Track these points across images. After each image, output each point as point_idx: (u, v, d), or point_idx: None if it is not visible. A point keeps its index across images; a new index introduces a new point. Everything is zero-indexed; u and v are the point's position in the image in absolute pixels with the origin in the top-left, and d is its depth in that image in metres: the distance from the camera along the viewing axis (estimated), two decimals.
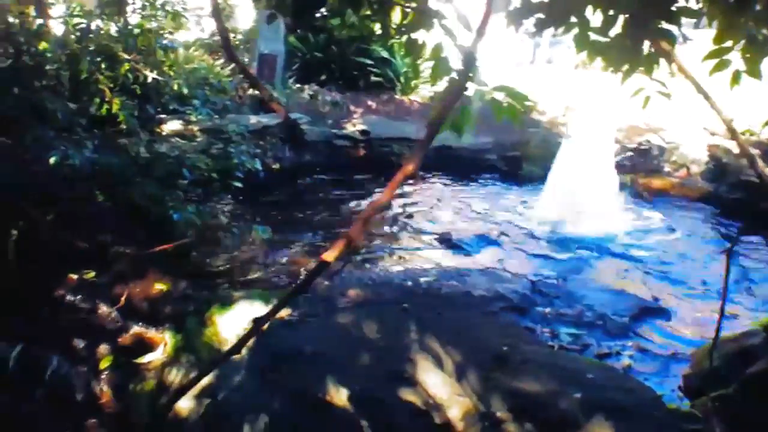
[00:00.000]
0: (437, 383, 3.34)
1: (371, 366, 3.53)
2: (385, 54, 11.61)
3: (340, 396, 3.30)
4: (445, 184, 8.50)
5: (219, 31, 7.14)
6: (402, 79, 11.91)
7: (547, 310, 4.59)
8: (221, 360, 3.05)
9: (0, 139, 4.68)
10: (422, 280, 4.57)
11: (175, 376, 3.71)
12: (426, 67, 10.83)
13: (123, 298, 4.14)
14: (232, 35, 11.02)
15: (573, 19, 2.34)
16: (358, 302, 4.17)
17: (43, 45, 5.20)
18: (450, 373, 3.42)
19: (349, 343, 3.73)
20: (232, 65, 7.82)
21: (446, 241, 5.62)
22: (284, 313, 3.99)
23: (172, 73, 5.87)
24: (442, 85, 3.03)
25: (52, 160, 4.25)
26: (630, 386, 3.51)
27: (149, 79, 5.68)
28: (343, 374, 3.47)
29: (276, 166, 7.49)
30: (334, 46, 11.47)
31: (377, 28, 3.30)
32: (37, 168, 5.06)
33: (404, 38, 2.93)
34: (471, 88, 2.57)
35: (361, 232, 2.36)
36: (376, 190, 7.64)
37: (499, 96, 2.64)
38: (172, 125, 6.44)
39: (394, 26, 2.97)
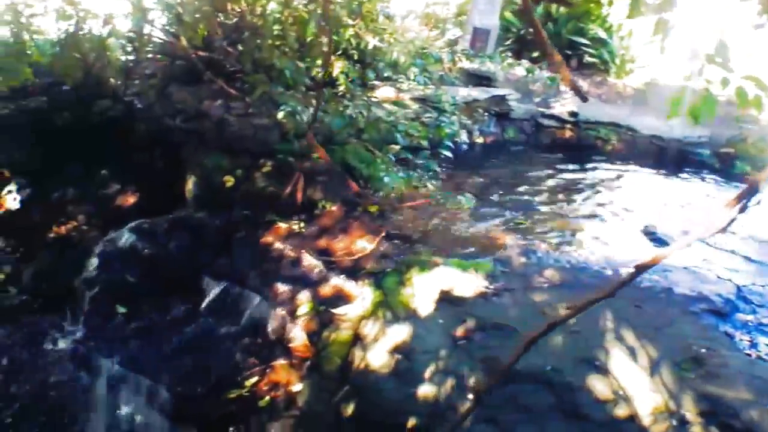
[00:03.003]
0: (629, 375, 3.38)
1: (563, 348, 3.60)
2: (602, 34, 11.39)
3: (530, 371, 3.42)
4: (651, 175, 8.16)
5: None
6: (617, 62, 11.62)
7: (750, 317, 4.34)
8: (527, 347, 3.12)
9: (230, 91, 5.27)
10: (622, 270, 4.47)
11: (370, 330, 3.94)
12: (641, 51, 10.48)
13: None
14: (445, 8, 11.33)
15: None
16: (555, 283, 4.19)
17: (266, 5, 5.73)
18: (643, 367, 3.44)
19: (542, 321, 3.76)
20: (446, 37, 8.07)
21: (649, 234, 5.41)
22: (481, 285, 4.11)
23: (391, 41, 6.20)
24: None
25: (280, 115, 4.69)
26: None
27: (369, 46, 6.06)
28: (534, 351, 3.53)
29: (480, 139, 7.65)
30: (550, 23, 11.42)
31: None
32: (260, 122, 5.66)
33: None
34: (716, 75, 2.48)
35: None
36: (578, 173, 7.54)
37: (745, 85, 2.52)
38: (385, 91, 6.80)
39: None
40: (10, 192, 7.04)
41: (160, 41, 7.06)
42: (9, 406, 5.10)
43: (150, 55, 7.47)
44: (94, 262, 5.31)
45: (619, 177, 7.64)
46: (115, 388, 4.62)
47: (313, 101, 4.81)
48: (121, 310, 4.91)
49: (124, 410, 4.60)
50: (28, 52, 6.78)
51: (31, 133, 7.41)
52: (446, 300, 4.03)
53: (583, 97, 2.74)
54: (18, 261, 6.57)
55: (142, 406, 4.51)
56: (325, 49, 5.65)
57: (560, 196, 6.35)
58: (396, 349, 3.75)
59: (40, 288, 6.24)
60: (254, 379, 4.29)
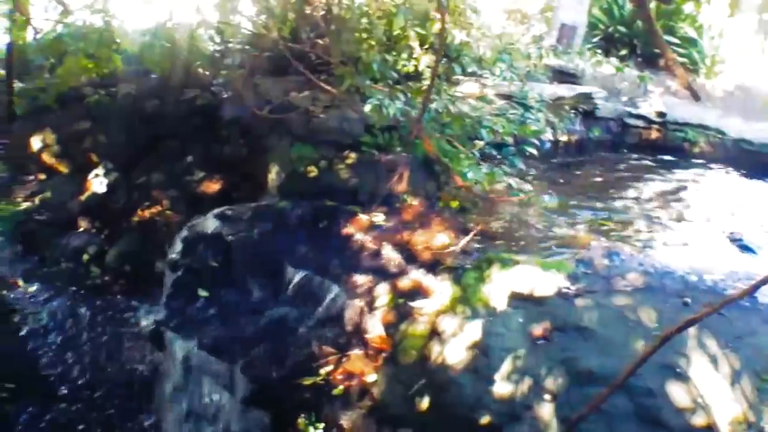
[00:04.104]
0: (709, 383, 3.38)
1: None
2: (692, 33, 11.17)
3: (607, 374, 3.45)
4: (738, 180, 7.94)
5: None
6: (707, 62, 11.36)
7: None
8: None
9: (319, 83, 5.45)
10: (707, 277, 4.40)
11: (448, 325, 4.03)
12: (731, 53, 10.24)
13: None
14: (531, 3, 11.30)
15: None
16: (638, 287, 4.18)
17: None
18: (724, 376, 3.43)
19: (624, 325, 3.83)
20: (531, 33, 8.09)
21: (735, 241, 5.30)
22: (562, 285, 4.14)
23: (478, 36, 6.27)
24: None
25: (367, 108, 4.81)
26: None
27: (456, 40, 6.15)
28: (613, 355, 3.60)
29: (564, 138, 7.64)
30: (639, 21, 11.26)
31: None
32: (345, 113, 5.83)
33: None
34: None
35: None
36: (665, 175, 7.43)
37: None
38: (469, 87, 6.88)
39: None
40: (97, 176, 7.44)
41: (248, 32, 7.32)
42: (88, 381, 5.42)
43: (239, 46, 7.75)
44: (179, 246, 5.55)
45: (705, 181, 7.49)
46: (192, 369, 4.84)
47: (399, 95, 4.93)
48: (203, 293, 5.12)
49: (199, 392, 4.81)
50: (118, 40, 7.16)
51: (120, 119, 7.82)
52: (526, 299, 4.07)
53: (697, 96, 2.76)
54: (102, 242, 6.94)
55: (217, 389, 4.71)
56: (411, 43, 5.80)
57: (645, 198, 6.28)
58: (474, 346, 3.83)
59: (122, 269, 6.59)
60: (329, 368, 4.41)
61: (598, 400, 3.17)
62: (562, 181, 6.50)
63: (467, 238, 4.52)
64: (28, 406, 5.07)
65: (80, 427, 5.06)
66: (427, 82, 5.88)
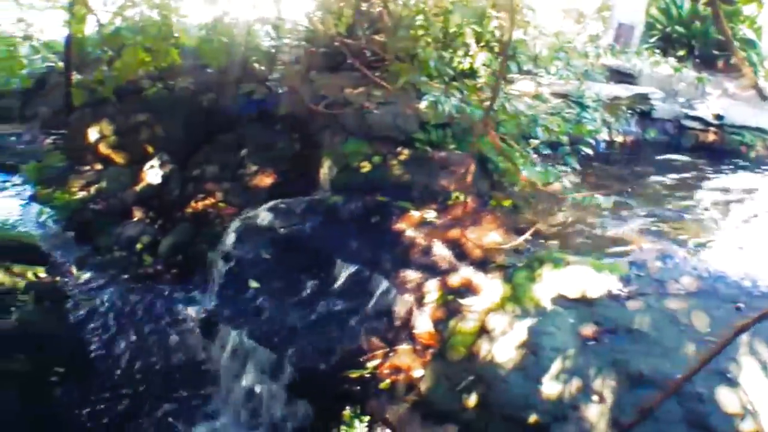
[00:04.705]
0: (759, 390, 3.35)
1: (696, 357, 3.57)
2: (750, 35, 10.97)
3: (658, 377, 3.48)
4: None
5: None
6: (766, 64, 11.13)
7: None
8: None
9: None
10: (761, 282, 4.35)
11: (498, 323, 4.06)
12: None
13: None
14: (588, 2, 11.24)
15: None
16: (691, 291, 4.15)
17: None
18: None
19: (675, 329, 3.82)
20: (589, 32, 8.06)
21: None
22: (614, 286, 4.15)
23: (536, 33, 6.28)
24: None
25: (423, 105, 4.88)
26: None
27: (512, 38, 6.16)
28: (663, 358, 3.61)
29: (620, 138, 7.59)
30: (698, 21, 11.15)
31: None
32: (400, 110, 5.91)
33: None
34: None
35: None
36: (721, 178, 7.32)
37: None
38: (524, 85, 6.89)
39: None
40: (152, 167, 7.64)
41: (304, 28, 7.47)
42: (136, 367, 5.56)
43: (296, 42, 7.90)
44: (232, 237, 5.70)
45: (762, 185, 7.36)
46: (240, 358, 4.96)
47: (455, 92, 4.99)
48: (254, 284, 5.24)
49: (246, 380, 4.93)
50: (176, 34, 7.36)
51: (177, 112, 8.02)
52: (577, 299, 4.09)
53: (764, 96, 2.75)
54: (156, 232, 7.13)
55: (264, 378, 4.81)
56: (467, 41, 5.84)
57: (701, 202, 6.22)
58: (523, 344, 3.85)
59: (174, 259, 6.75)
60: (377, 362, 4.49)
61: (653, 405, 3.17)
62: (616, 181, 6.46)
63: (523, 237, 4.54)
64: (74, 389, 5.21)
65: (126, 412, 5.19)
66: (482, 80, 5.93)
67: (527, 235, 4.40)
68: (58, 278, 6.37)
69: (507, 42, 4.65)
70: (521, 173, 4.69)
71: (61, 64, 10.23)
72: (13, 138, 10.40)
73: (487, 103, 5.13)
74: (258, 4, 7.17)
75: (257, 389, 4.88)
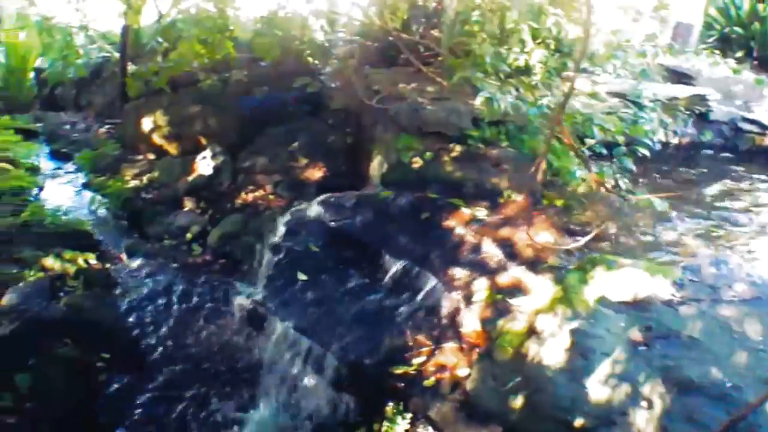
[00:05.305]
0: None
1: (746, 366, 3.58)
2: None
3: (709, 385, 3.48)
4: None
5: None
6: None
7: None
8: None
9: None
10: None
11: (547, 324, 4.06)
12: None
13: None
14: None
15: None
16: (745, 298, 4.09)
17: None
18: None
19: (728, 337, 3.78)
20: (645, 30, 7.94)
21: None
22: (668, 291, 4.11)
23: (593, 31, 6.23)
24: None
25: (478, 101, 4.88)
26: None
27: (569, 35, 6.13)
28: (715, 366, 3.58)
29: (675, 140, 7.49)
30: (757, 22, 10.93)
31: None
32: (453, 106, 5.92)
33: None
34: None
35: None
36: None
37: None
38: (580, 83, 6.83)
39: None
40: (204, 158, 7.79)
41: (358, 22, 7.53)
42: (182, 356, 5.68)
43: (350, 37, 7.97)
44: (281, 229, 5.78)
45: None
46: (286, 350, 5.04)
47: (510, 89, 4.99)
48: (302, 277, 5.31)
49: (291, 372, 5.00)
50: (231, 27, 7.50)
51: (230, 104, 8.17)
52: (629, 303, 4.06)
53: None
54: (206, 222, 7.27)
55: (309, 371, 4.88)
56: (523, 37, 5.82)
57: (758, 207, 6.09)
58: (572, 347, 3.84)
59: (223, 249, 6.87)
60: (422, 359, 4.51)
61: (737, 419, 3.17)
62: (671, 184, 6.38)
63: (583, 241, 4.51)
64: (120, 376, 5.34)
65: (168, 397, 5.30)
66: (537, 77, 5.91)
67: (587, 239, 4.37)
68: (108, 265, 6.53)
69: (582, 51, 4.63)
70: (576, 172, 4.68)
71: (116, 54, 10.50)
72: (67, 126, 10.69)
73: (542, 100, 5.14)
74: None
75: (301, 381, 4.95)
